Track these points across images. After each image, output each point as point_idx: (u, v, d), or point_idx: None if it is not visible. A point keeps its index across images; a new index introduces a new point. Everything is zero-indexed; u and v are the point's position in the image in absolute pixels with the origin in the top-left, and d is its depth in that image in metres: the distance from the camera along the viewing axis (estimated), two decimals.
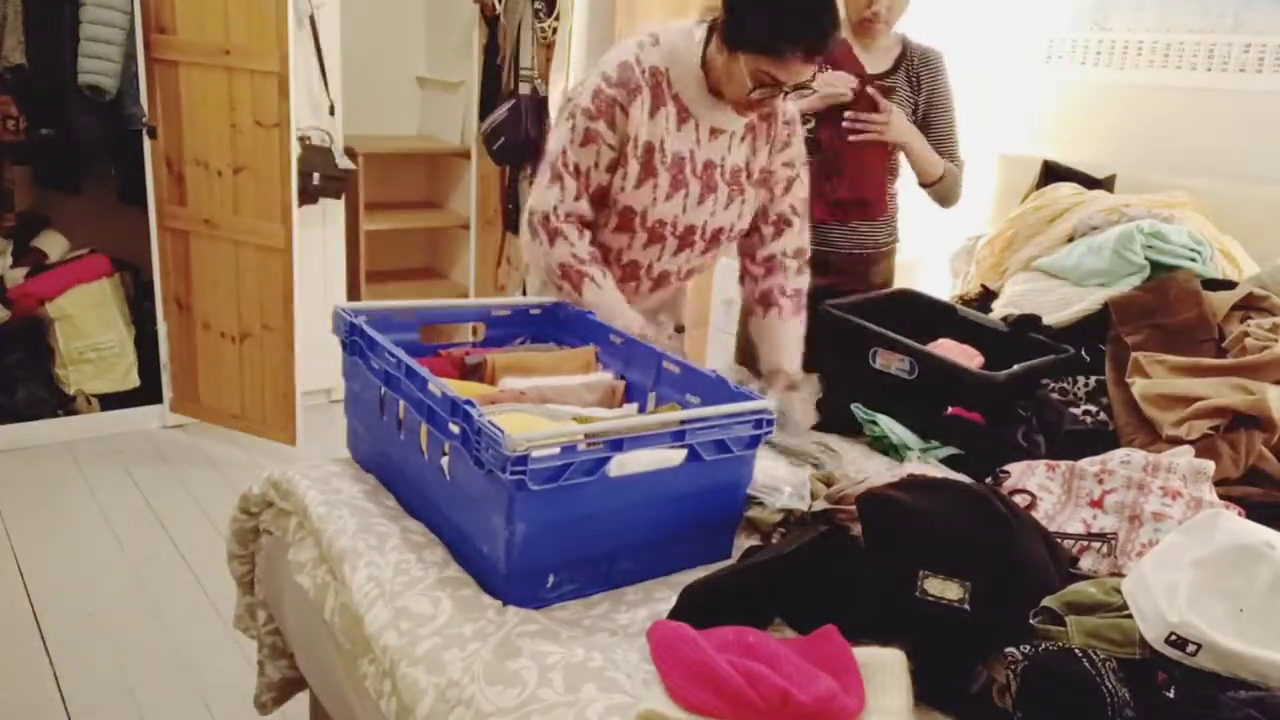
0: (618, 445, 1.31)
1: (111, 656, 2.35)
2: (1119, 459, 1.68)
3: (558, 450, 1.25)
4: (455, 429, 1.33)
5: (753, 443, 1.45)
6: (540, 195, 1.92)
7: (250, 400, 3.55)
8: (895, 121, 2.37)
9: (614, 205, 1.93)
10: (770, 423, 1.45)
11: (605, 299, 1.91)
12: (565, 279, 1.91)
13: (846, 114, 2.35)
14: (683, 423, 1.37)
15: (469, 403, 1.31)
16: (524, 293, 2.21)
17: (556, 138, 1.91)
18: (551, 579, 1.34)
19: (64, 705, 2.18)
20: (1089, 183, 2.89)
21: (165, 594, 2.62)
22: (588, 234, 1.94)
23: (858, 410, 2.04)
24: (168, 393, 3.66)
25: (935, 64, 2.49)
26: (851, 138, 2.36)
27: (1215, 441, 1.80)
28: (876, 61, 2.46)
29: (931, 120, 2.51)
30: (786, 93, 1.80)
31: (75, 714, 2.16)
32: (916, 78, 2.48)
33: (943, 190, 2.53)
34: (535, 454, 1.23)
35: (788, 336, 2.07)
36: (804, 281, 2.10)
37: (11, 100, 3.20)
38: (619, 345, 1.80)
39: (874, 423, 1.99)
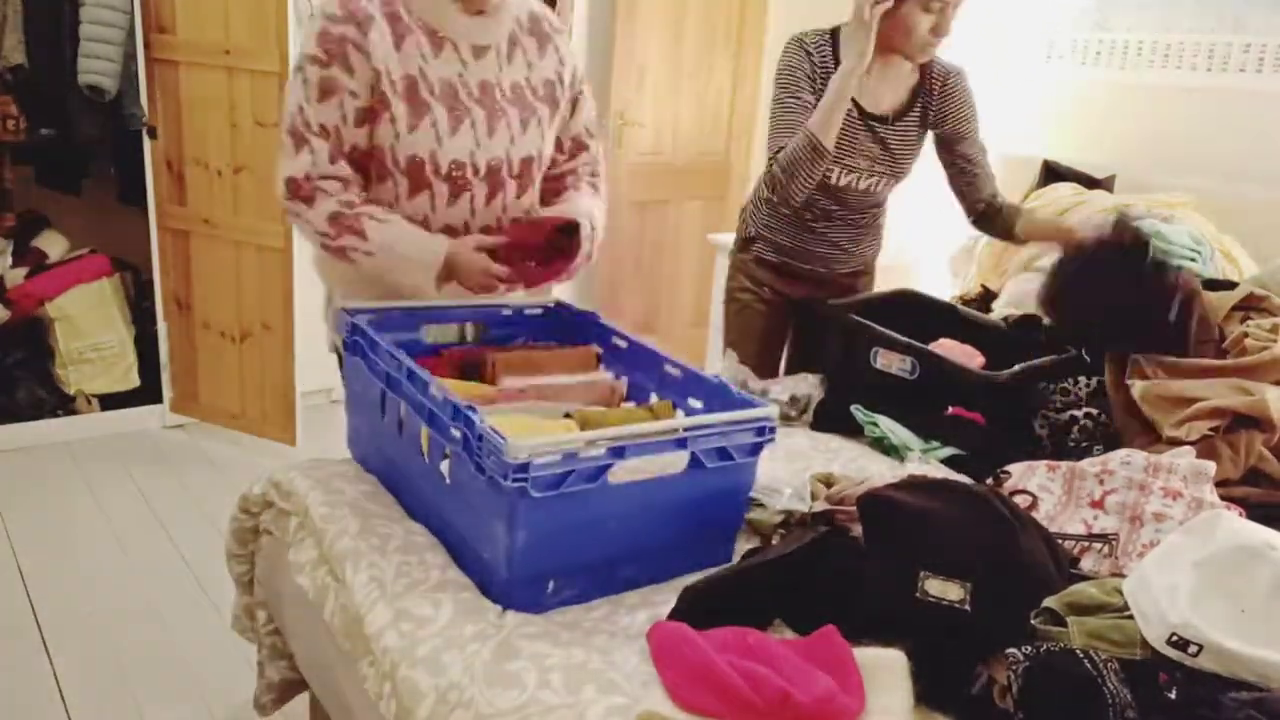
0: (619, 452, 1.31)
1: (111, 656, 2.35)
2: (1120, 459, 1.68)
3: (559, 457, 1.25)
4: (457, 434, 1.33)
5: (755, 450, 1.45)
6: (286, 165, 1.67)
7: (250, 400, 3.55)
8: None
9: (397, 163, 1.69)
10: (773, 430, 1.45)
11: (395, 230, 1.64)
12: (342, 232, 1.62)
13: None
14: (685, 429, 1.37)
15: (471, 408, 1.30)
16: (329, 312, 1.94)
17: (291, 97, 1.64)
18: (552, 585, 1.34)
19: (64, 705, 2.18)
20: (1089, 183, 2.90)
21: (165, 594, 2.62)
22: (354, 187, 1.69)
23: (858, 412, 2.04)
24: (168, 393, 3.66)
25: (957, 90, 2.30)
26: None
27: (1215, 443, 1.80)
28: (895, 93, 2.28)
29: (964, 147, 2.34)
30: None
31: (75, 714, 2.16)
32: (936, 108, 2.30)
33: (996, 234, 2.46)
34: (537, 461, 1.23)
35: (580, 201, 1.87)
36: (602, 184, 1.96)
37: (11, 100, 3.19)
38: (623, 348, 1.80)
39: (874, 424, 2.00)
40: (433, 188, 1.72)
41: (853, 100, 2.20)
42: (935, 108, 2.30)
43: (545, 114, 1.82)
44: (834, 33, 2.26)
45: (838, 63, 2.20)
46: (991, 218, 2.38)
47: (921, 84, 2.30)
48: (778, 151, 2.21)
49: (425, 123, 1.66)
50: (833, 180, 2.29)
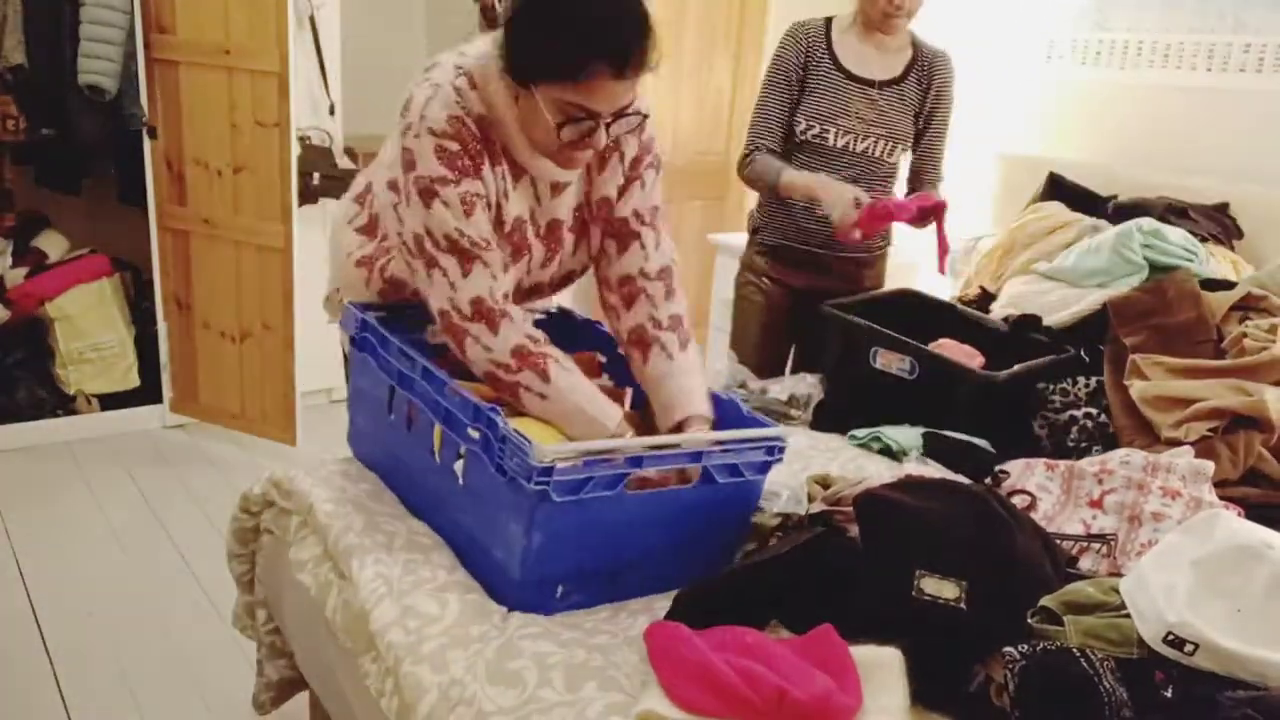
0: (637, 462, 1.32)
1: (111, 656, 2.35)
2: (1118, 459, 1.68)
3: (581, 463, 1.26)
4: (475, 434, 1.33)
5: (764, 468, 1.47)
6: (460, 288, 1.49)
7: (250, 400, 3.55)
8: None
9: None
10: (782, 450, 1.46)
11: (576, 381, 1.51)
12: (526, 367, 1.48)
13: None
14: (700, 447, 1.39)
15: (493, 408, 1.31)
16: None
17: (432, 220, 1.48)
18: (561, 589, 1.35)
19: (64, 705, 2.18)
20: (1090, 199, 2.88)
21: (165, 594, 2.62)
22: (529, 317, 1.60)
23: (857, 435, 2.02)
24: (168, 393, 3.66)
25: (945, 71, 2.48)
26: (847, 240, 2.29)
27: (1213, 443, 1.80)
28: (889, 64, 2.44)
29: (929, 129, 2.49)
30: (607, 125, 1.45)
31: (75, 714, 2.16)
32: (926, 82, 2.46)
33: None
34: (561, 465, 1.24)
35: (685, 375, 1.61)
36: (679, 306, 1.67)
37: (11, 100, 3.20)
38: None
39: (876, 439, 1.98)
40: None
41: (840, 66, 2.42)
42: (924, 80, 2.46)
43: (596, 232, 1.69)
44: (828, 21, 2.46)
45: (831, 54, 2.41)
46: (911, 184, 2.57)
47: (915, 59, 2.46)
48: (752, 149, 2.45)
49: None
50: (830, 142, 2.41)
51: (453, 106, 1.48)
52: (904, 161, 2.54)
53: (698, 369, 1.63)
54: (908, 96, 2.44)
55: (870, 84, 2.41)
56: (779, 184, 2.36)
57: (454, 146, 1.47)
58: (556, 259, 1.68)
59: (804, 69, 2.42)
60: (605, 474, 1.29)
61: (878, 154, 2.43)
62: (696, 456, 1.38)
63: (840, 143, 2.41)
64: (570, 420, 1.49)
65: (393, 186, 1.56)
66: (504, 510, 1.32)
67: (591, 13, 1.39)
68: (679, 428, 1.55)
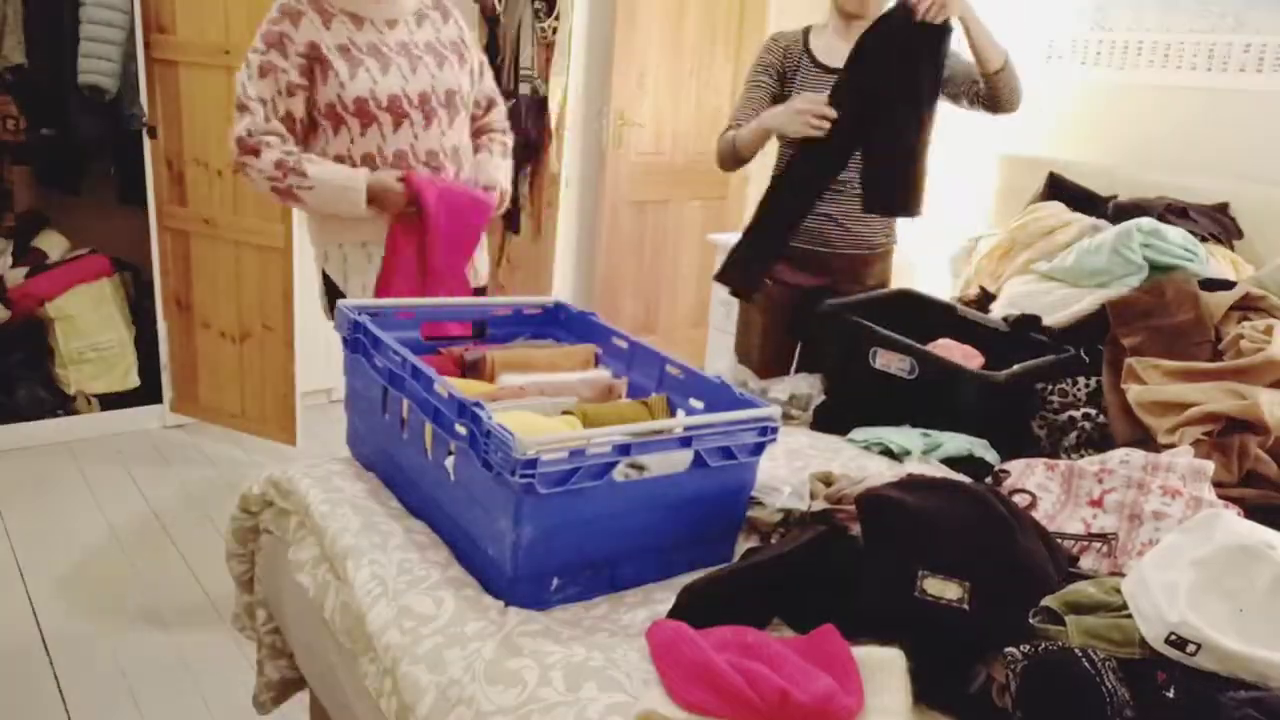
0: (625, 450, 1.31)
1: (111, 656, 2.35)
2: (1118, 458, 1.68)
3: (566, 454, 1.26)
4: (462, 430, 1.33)
5: (758, 449, 1.46)
6: (233, 130, 2.12)
7: (250, 400, 3.55)
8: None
9: (346, 107, 2.13)
10: (775, 430, 1.45)
11: (328, 166, 2.13)
12: (287, 174, 2.10)
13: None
14: (689, 429, 1.38)
15: (478, 404, 1.31)
16: (330, 305, 2.29)
17: (238, 78, 2.13)
18: (555, 582, 1.34)
19: (64, 705, 2.18)
20: (1091, 199, 2.89)
21: (165, 594, 2.62)
22: (289, 142, 2.14)
23: (857, 437, 2.01)
24: (168, 392, 3.66)
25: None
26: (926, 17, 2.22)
27: (1209, 448, 1.80)
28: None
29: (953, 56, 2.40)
30: None
31: (75, 714, 2.16)
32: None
33: (1006, 81, 2.37)
34: (545, 457, 1.23)
35: (493, 164, 2.39)
36: (508, 139, 2.47)
37: (11, 100, 3.20)
38: (622, 348, 1.80)
39: (878, 441, 1.98)
40: (378, 119, 2.16)
41: (816, 61, 2.48)
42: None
43: (454, 60, 2.28)
44: (806, 31, 2.53)
45: (809, 55, 2.48)
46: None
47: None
48: (727, 130, 2.53)
49: (360, 70, 2.13)
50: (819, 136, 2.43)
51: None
52: None
53: (500, 168, 2.41)
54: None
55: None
56: (735, 143, 2.47)
57: (275, 28, 2.11)
58: (422, 69, 2.21)
59: (783, 70, 2.49)
60: (592, 464, 1.29)
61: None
62: (687, 440, 1.37)
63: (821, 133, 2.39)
64: (336, 199, 2.13)
65: None
66: (493, 505, 1.32)
67: None
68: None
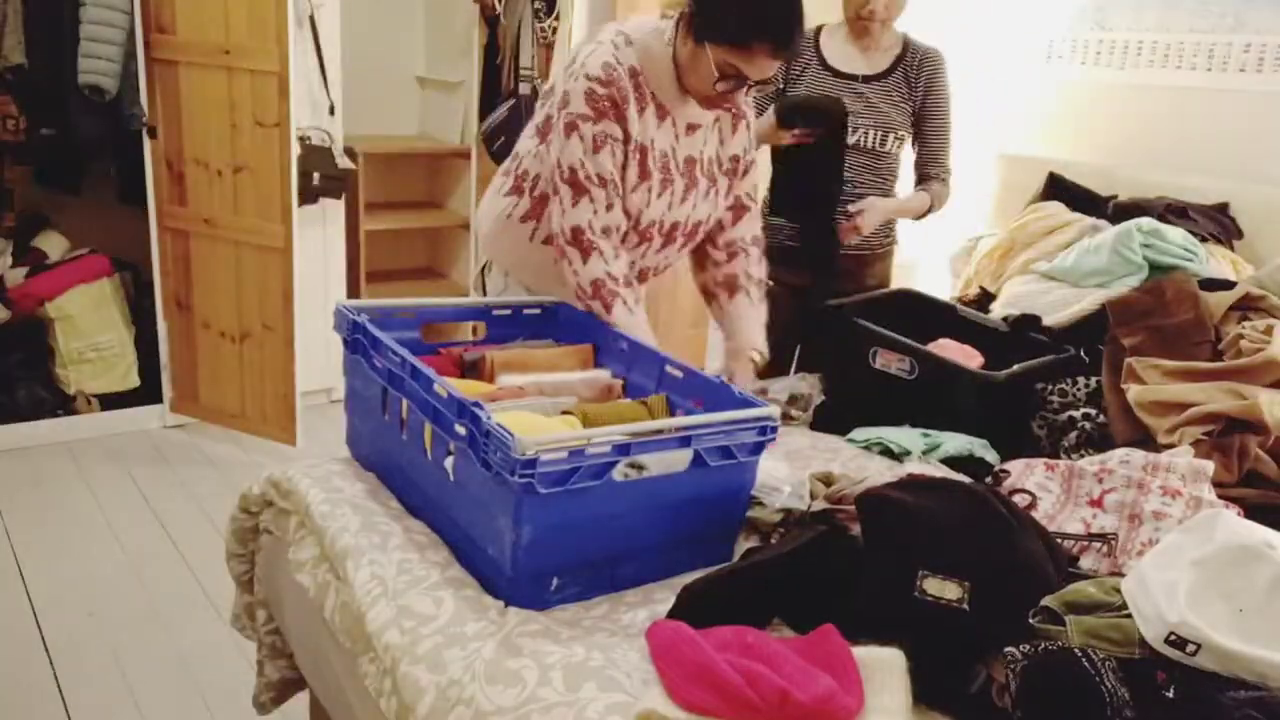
0: (625, 450, 1.31)
1: (111, 656, 2.35)
2: (1118, 458, 1.68)
3: (566, 454, 1.26)
4: (462, 430, 1.33)
5: (756, 449, 1.46)
6: (567, 214, 1.82)
7: (250, 400, 3.55)
8: (870, 218, 2.43)
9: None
10: (774, 429, 1.45)
11: (637, 325, 1.84)
12: (596, 297, 1.83)
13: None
14: (688, 428, 1.37)
15: (477, 404, 1.31)
16: (483, 292, 2.21)
17: (565, 152, 1.81)
18: (555, 582, 1.34)
19: (64, 705, 2.18)
20: (1090, 199, 2.89)
21: (165, 594, 2.62)
22: (624, 254, 1.88)
23: (857, 437, 2.01)
24: (168, 393, 3.66)
25: (934, 66, 2.49)
26: (847, 240, 2.46)
27: (1209, 448, 1.80)
28: (875, 61, 2.47)
29: (924, 126, 2.52)
30: (750, 86, 1.78)
31: (75, 714, 2.16)
32: (915, 79, 2.49)
33: (929, 215, 2.59)
34: (544, 457, 1.23)
35: (757, 319, 2.06)
36: (764, 271, 2.12)
37: (11, 100, 3.20)
38: (622, 349, 1.80)
39: (878, 441, 1.98)
40: (627, 236, 1.92)
41: (825, 63, 2.51)
42: (911, 76, 2.50)
43: (724, 184, 2.03)
44: (817, 31, 2.52)
45: (819, 56, 2.50)
46: (917, 180, 2.61)
47: (903, 55, 2.50)
48: None
49: (644, 187, 1.87)
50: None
51: (609, 56, 1.80)
52: (903, 155, 2.56)
53: (764, 321, 2.08)
54: (895, 90, 2.48)
55: (855, 78, 2.47)
56: None
57: (602, 91, 1.78)
58: (692, 196, 1.96)
59: (788, 72, 2.51)
60: (592, 463, 1.28)
61: (870, 145, 2.46)
62: (686, 440, 1.37)
63: None
64: None
65: (537, 132, 1.93)
66: (493, 505, 1.31)
67: (768, 1, 1.71)
68: (734, 355, 2.03)
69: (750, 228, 2.10)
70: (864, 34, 2.45)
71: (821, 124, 2.33)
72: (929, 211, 2.56)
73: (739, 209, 2.09)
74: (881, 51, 2.50)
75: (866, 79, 2.46)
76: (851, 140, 2.44)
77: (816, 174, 2.41)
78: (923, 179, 2.57)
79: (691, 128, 1.91)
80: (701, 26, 1.73)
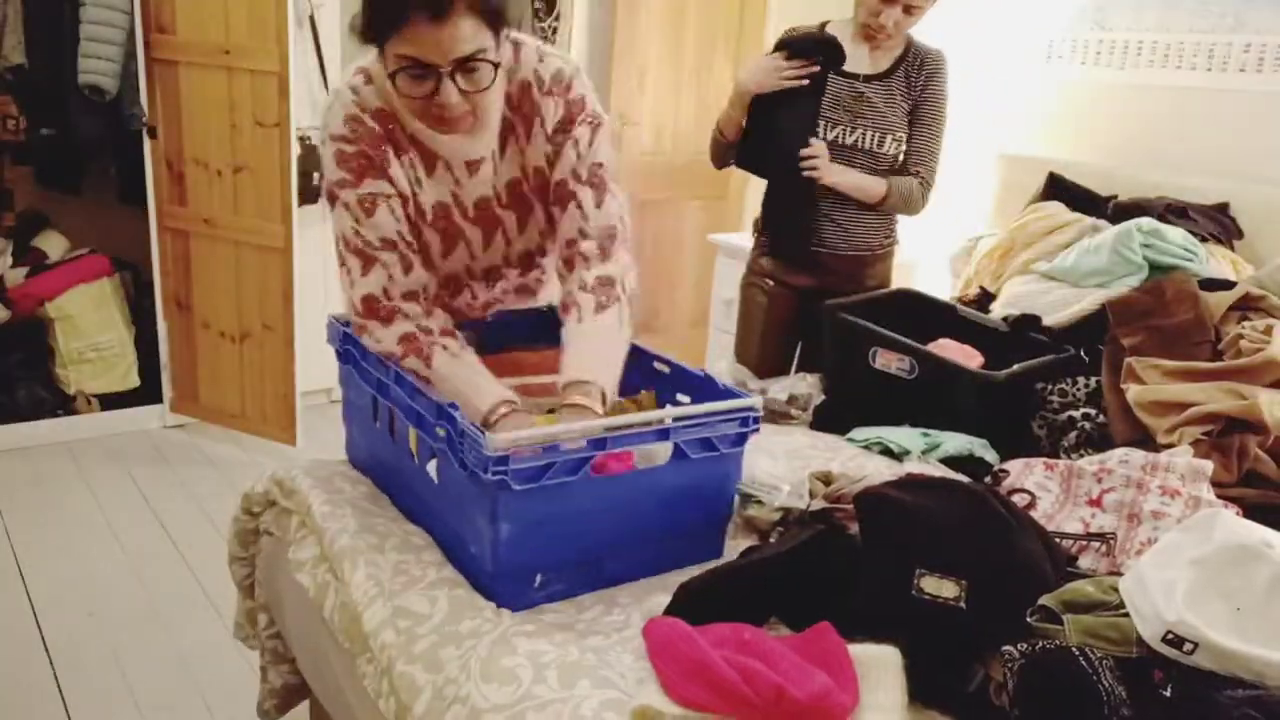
0: (600, 444, 1.31)
1: (111, 656, 2.35)
2: (1118, 458, 1.68)
3: (539, 450, 1.26)
4: (441, 432, 1.33)
5: (739, 440, 1.46)
6: (356, 286, 1.56)
7: (250, 400, 3.55)
8: (823, 164, 2.39)
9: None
10: (756, 420, 1.45)
11: (462, 369, 1.51)
12: (409, 354, 1.51)
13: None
14: (667, 421, 1.37)
15: (453, 405, 1.32)
16: None
17: (338, 223, 1.56)
18: (539, 579, 1.34)
19: (64, 705, 2.18)
20: (1090, 199, 2.88)
21: (165, 594, 2.62)
22: (440, 313, 1.59)
23: (857, 436, 2.01)
24: (168, 393, 3.66)
25: (935, 66, 2.46)
26: (806, 174, 2.40)
27: (1208, 448, 1.80)
28: (877, 61, 2.46)
29: (914, 125, 2.47)
30: (451, 74, 1.41)
31: (75, 714, 2.16)
32: (915, 75, 2.46)
33: (890, 208, 2.50)
34: (516, 454, 1.24)
35: (584, 339, 1.56)
36: (613, 267, 1.64)
37: (11, 100, 3.20)
38: None
39: (877, 441, 1.98)
40: (435, 292, 1.67)
41: None
42: (911, 74, 2.45)
43: (539, 207, 1.69)
44: (821, 25, 2.47)
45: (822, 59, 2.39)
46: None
47: (904, 55, 2.46)
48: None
49: (426, 249, 1.63)
50: (820, 135, 2.42)
51: (350, 106, 1.53)
52: (903, 157, 2.52)
53: (606, 333, 1.58)
54: (895, 89, 2.45)
55: (855, 77, 2.43)
56: (718, 125, 2.49)
57: (350, 149, 1.52)
58: (497, 237, 1.69)
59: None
60: (567, 459, 1.28)
61: (868, 145, 2.44)
62: (665, 432, 1.36)
63: (830, 135, 2.42)
64: (452, 397, 1.42)
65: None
66: (472, 504, 1.32)
67: None
68: (566, 389, 1.47)
69: (579, 220, 1.64)
70: (872, 45, 2.44)
71: (818, 53, 2.31)
72: (888, 203, 2.45)
73: (563, 199, 1.64)
74: (885, 51, 2.47)
75: (868, 78, 2.44)
76: (850, 139, 2.43)
77: (793, 128, 2.38)
78: (897, 173, 2.50)
79: (472, 165, 1.60)
80: (365, 33, 1.44)
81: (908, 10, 2.32)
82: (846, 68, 2.43)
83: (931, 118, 2.47)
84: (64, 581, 2.65)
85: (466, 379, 1.49)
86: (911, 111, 2.47)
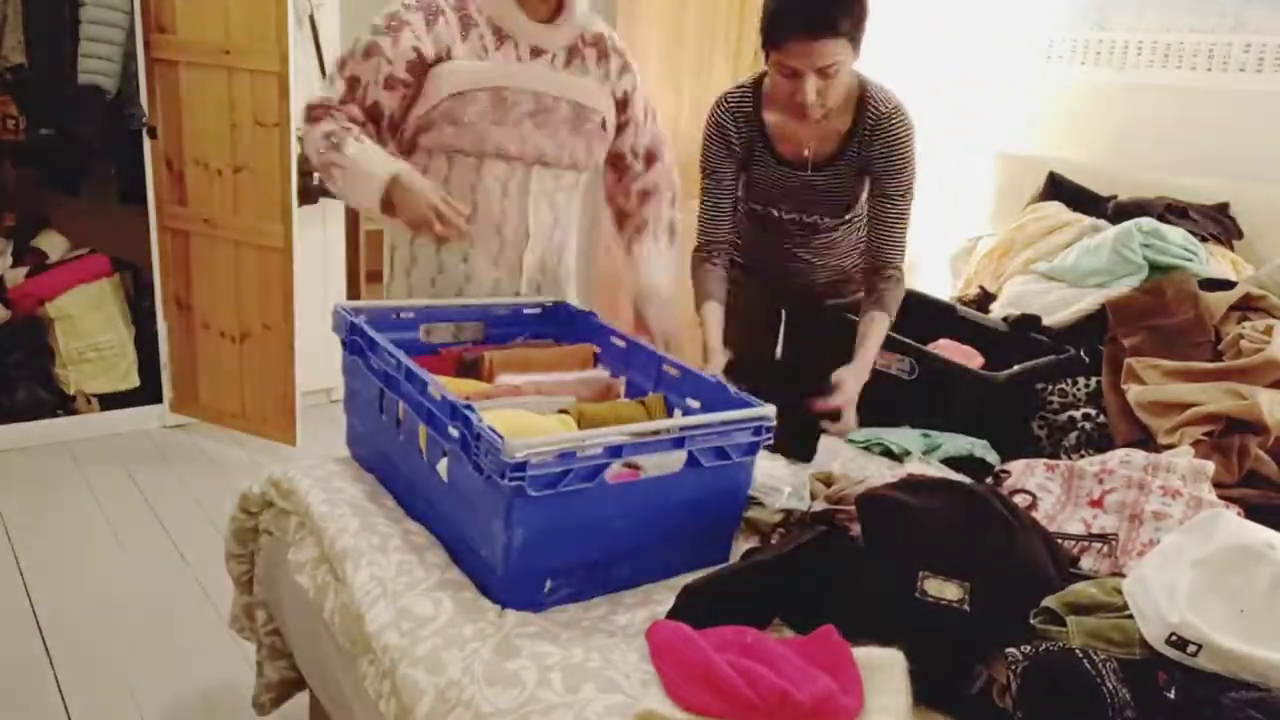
0: (617, 451, 1.31)
1: (111, 656, 2.35)
2: (1119, 459, 1.68)
3: (556, 456, 1.25)
4: (454, 433, 1.33)
5: (752, 449, 1.45)
6: (313, 94, 1.84)
7: (250, 400, 3.55)
8: (850, 391, 1.98)
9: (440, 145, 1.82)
10: (770, 430, 1.45)
11: (367, 149, 1.73)
12: (330, 149, 1.73)
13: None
14: (682, 429, 1.37)
15: (469, 407, 1.31)
16: (390, 271, 2.03)
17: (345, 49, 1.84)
18: (549, 584, 1.34)
19: (64, 705, 2.18)
20: (1090, 199, 2.89)
21: (165, 594, 2.62)
22: (360, 128, 1.80)
23: (857, 437, 2.00)
24: (168, 392, 3.66)
25: (892, 134, 2.04)
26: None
27: (1209, 449, 1.80)
28: (823, 138, 2.09)
29: (878, 206, 2.10)
30: (821, 72, 1.83)
31: (75, 714, 2.16)
32: (869, 149, 2.07)
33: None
34: (534, 460, 1.23)
35: (663, 262, 2.04)
36: (677, 215, 2.10)
37: (11, 100, 3.19)
38: (620, 347, 1.80)
39: (878, 442, 1.97)
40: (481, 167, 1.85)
41: (769, 150, 2.13)
42: (865, 151, 2.07)
43: (599, 124, 1.93)
44: (756, 88, 2.12)
45: (761, 129, 2.12)
46: (866, 285, 2.15)
47: (854, 127, 2.07)
48: (699, 251, 2.21)
49: (470, 112, 1.80)
50: (775, 215, 2.22)
51: None
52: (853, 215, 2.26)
53: (672, 261, 2.06)
54: (846, 171, 2.11)
55: (802, 167, 2.12)
56: (698, 311, 2.20)
57: (405, 15, 1.77)
58: (552, 127, 1.87)
59: (739, 148, 2.15)
60: (583, 465, 1.28)
61: (823, 222, 2.22)
62: (680, 441, 1.36)
63: (787, 217, 2.21)
64: (356, 186, 1.73)
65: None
66: (485, 508, 1.32)
67: None
68: (643, 298, 1.99)
69: (665, 174, 2.08)
70: (801, 121, 2.02)
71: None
72: (892, 322, 2.10)
73: (650, 157, 2.06)
74: (829, 123, 2.05)
75: (815, 166, 2.11)
76: (808, 220, 2.20)
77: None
78: (871, 283, 2.11)
79: (536, 52, 1.85)
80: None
81: (823, 74, 1.87)
82: (791, 155, 2.12)
83: (898, 194, 2.08)
84: (64, 581, 2.65)
85: (374, 156, 1.72)
86: (871, 187, 2.13)
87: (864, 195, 2.18)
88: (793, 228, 2.25)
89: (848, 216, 2.23)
